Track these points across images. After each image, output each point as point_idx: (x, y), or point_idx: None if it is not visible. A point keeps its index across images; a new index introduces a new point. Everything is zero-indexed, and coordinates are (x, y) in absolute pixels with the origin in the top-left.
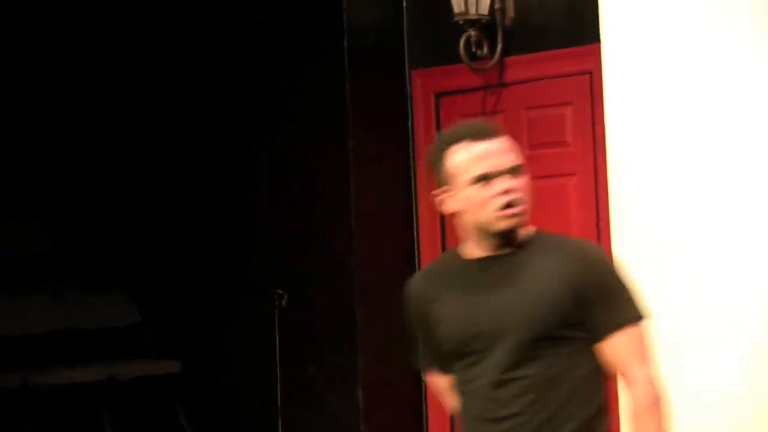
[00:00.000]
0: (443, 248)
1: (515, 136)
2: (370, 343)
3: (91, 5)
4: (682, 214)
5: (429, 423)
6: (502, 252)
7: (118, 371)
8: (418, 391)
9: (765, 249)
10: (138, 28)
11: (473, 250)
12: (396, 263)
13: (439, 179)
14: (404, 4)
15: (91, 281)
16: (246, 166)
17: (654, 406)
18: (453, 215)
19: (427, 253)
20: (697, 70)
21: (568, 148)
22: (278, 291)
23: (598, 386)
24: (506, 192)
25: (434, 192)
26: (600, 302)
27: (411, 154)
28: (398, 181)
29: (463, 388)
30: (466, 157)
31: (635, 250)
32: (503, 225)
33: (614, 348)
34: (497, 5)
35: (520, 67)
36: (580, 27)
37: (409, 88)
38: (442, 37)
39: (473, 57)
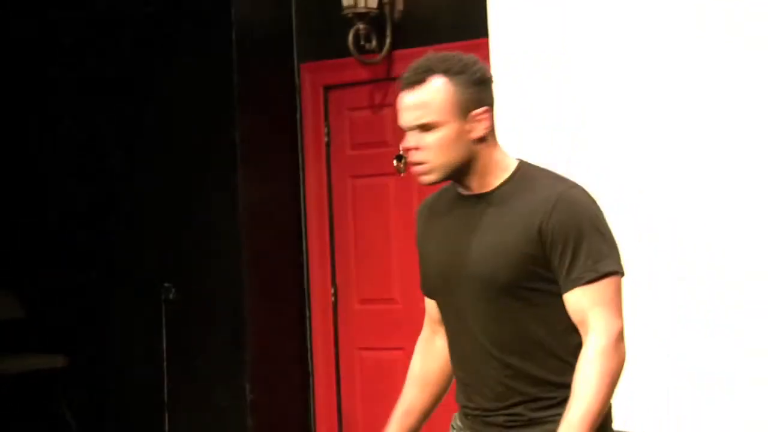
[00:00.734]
0: (331, 238)
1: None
2: (258, 337)
3: None
4: None
5: (316, 417)
6: (478, 191)
7: (2, 366)
8: (305, 385)
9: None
10: (18, 11)
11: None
12: (284, 255)
13: None
14: None
15: None
16: (133, 156)
17: (603, 355)
18: None
19: (315, 245)
20: (586, 63)
21: None
22: (165, 284)
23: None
24: (405, 151)
25: None
26: (568, 252)
27: (299, 147)
28: (286, 172)
29: (445, 327)
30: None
31: None
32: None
33: (578, 300)
34: None
35: (408, 60)
36: (469, 21)
37: (297, 81)
38: (331, 31)
39: (362, 50)
